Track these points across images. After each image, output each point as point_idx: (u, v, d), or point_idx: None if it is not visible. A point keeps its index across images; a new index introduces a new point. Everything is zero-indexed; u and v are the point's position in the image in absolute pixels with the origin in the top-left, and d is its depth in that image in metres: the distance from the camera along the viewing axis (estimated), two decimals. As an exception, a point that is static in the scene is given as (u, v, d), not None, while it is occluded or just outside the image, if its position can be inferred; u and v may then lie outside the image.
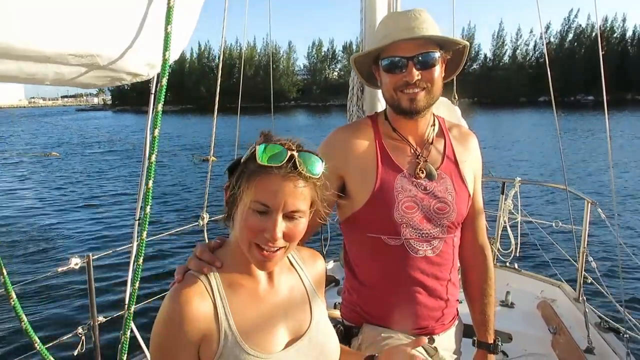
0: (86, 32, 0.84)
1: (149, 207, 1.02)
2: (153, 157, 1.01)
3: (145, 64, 1.06)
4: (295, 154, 1.12)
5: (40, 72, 0.85)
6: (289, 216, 1.13)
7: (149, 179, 1.02)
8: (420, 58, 1.58)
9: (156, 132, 1.04)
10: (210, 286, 1.17)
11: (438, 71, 1.62)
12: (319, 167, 1.16)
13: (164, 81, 0.98)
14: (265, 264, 1.16)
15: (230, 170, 1.19)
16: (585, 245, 3.54)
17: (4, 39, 0.72)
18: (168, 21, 0.90)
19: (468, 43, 1.69)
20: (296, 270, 1.35)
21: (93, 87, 1.03)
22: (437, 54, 1.60)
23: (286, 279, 1.31)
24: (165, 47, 0.94)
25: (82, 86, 1.00)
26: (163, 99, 1.01)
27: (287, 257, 1.35)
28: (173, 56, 1.05)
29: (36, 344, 0.89)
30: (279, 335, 1.21)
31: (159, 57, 1.03)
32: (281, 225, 1.12)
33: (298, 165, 1.11)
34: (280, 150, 1.11)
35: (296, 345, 1.22)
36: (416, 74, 1.57)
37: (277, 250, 1.15)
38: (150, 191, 1.04)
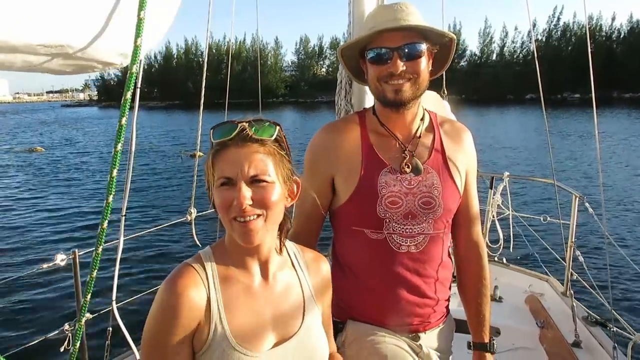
0: (55, 23, 0.82)
1: (111, 196, 1.00)
2: (119, 147, 0.99)
3: (117, 53, 1.04)
4: (246, 124, 1.16)
5: (7, 60, 0.83)
6: (255, 182, 1.14)
7: (114, 168, 1.00)
8: (405, 49, 1.56)
9: (123, 120, 1.02)
10: (207, 277, 1.18)
11: (424, 63, 1.60)
12: (272, 131, 1.19)
13: (134, 69, 0.96)
14: (248, 236, 1.15)
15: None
16: (573, 240, 3.57)
17: None
18: (141, 7, 0.87)
19: (454, 36, 1.67)
20: (296, 271, 1.34)
21: (63, 74, 1.01)
22: (423, 46, 1.59)
23: (283, 277, 1.30)
24: (137, 34, 0.91)
25: (50, 72, 0.99)
26: (132, 88, 1.00)
27: (289, 256, 1.36)
28: (148, 44, 1.02)
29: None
30: (267, 334, 1.21)
31: (132, 46, 1.01)
32: (246, 191, 1.12)
33: (249, 132, 1.15)
34: (230, 125, 1.16)
35: (283, 346, 1.21)
36: (401, 65, 1.56)
37: (254, 219, 1.15)
38: (114, 180, 1.02)
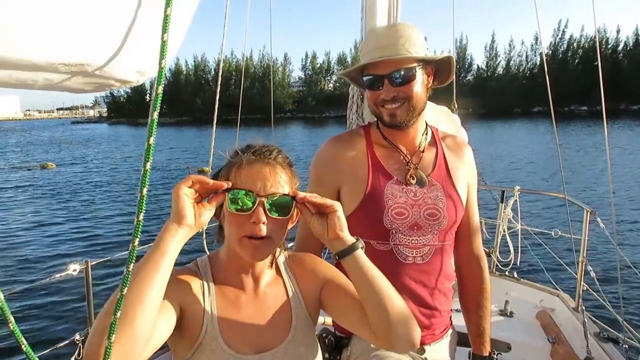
0: (75, 42, 0.86)
1: (142, 214, 1.04)
2: (148, 165, 1.02)
3: (135, 71, 1.08)
4: (264, 200, 1.16)
5: (29, 79, 0.87)
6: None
7: (144, 187, 1.03)
8: (395, 76, 1.60)
9: (151, 140, 1.06)
10: (203, 279, 1.24)
11: (417, 85, 1.63)
12: (287, 208, 1.20)
13: (160, 89, 1.00)
14: (256, 253, 1.19)
15: None
16: (585, 255, 3.53)
17: None
18: (165, 29, 0.91)
19: (446, 56, 1.69)
20: (283, 281, 1.37)
21: (81, 92, 1.05)
22: (414, 70, 1.61)
23: (272, 289, 1.34)
24: (162, 56, 0.95)
25: (70, 91, 1.02)
26: (158, 108, 1.03)
27: (277, 265, 1.39)
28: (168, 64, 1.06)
29: (23, 346, 0.89)
30: (255, 340, 1.24)
31: (149, 64, 1.04)
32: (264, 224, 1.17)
33: (267, 212, 1.16)
34: (249, 204, 1.16)
35: (272, 352, 1.24)
36: (392, 91, 1.61)
37: (265, 240, 1.18)
38: (144, 198, 1.06)
